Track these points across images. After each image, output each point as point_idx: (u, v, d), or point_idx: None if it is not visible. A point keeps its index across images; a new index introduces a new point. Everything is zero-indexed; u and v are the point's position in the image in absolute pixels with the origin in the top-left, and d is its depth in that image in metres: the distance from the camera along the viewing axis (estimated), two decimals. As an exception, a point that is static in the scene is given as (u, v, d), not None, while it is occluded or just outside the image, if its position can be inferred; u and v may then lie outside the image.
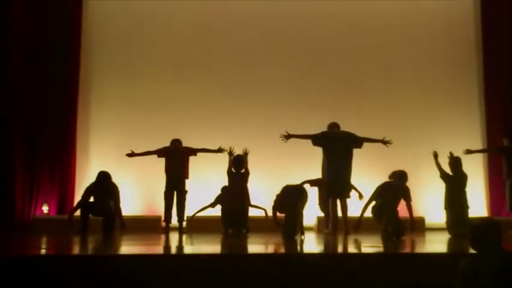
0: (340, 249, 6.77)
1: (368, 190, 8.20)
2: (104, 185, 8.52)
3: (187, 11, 10.91)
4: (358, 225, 7.85)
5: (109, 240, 7.66)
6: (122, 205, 8.62)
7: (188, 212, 8.93)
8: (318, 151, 8.61)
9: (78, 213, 8.45)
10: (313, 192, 8.71)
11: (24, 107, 10.03)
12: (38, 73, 10.17)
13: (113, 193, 8.55)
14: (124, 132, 10.24)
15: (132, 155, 8.91)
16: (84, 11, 10.69)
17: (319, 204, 8.99)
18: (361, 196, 8.56)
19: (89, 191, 8.61)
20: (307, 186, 8.26)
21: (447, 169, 8.38)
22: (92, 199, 8.58)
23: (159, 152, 8.98)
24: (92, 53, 10.75)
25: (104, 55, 10.76)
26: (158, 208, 9.59)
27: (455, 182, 8.29)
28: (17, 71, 10.04)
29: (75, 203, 9.07)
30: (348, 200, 8.44)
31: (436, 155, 8.39)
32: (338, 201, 8.37)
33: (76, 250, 6.77)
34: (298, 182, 8.07)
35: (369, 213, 7.96)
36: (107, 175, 8.58)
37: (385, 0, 11.09)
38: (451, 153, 8.43)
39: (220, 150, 8.77)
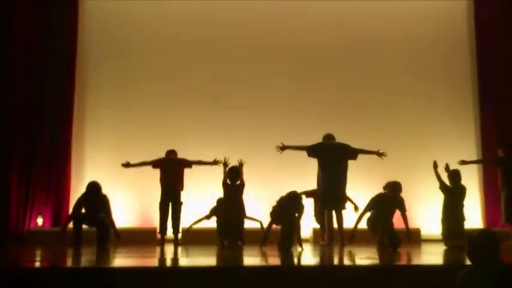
0: (335, 261, 6.74)
1: (363, 201, 8.19)
2: (94, 196, 8.48)
3: (182, 22, 10.92)
4: (352, 236, 7.83)
5: (104, 252, 7.61)
6: (115, 216, 8.61)
7: (183, 223, 8.91)
8: (313, 162, 8.61)
9: (71, 225, 8.42)
10: (308, 204, 8.71)
11: (20, 118, 10.01)
12: (33, 85, 10.16)
13: (103, 204, 8.51)
14: (119, 145, 10.22)
15: (127, 165, 8.90)
16: (80, 22, 10.69)
17: (315, 215, 8.99)
18: (356, 208, 8.56)
19: (79, 202, 8.58)
20: (302, 197, 8.25)
21: (446, 180, 8.39)
22: (83, 210, 8.53)
23: (155, 163, 8.97)
24: (87, 65, 10.74)
25: (99, 67, 10.75)
26: (153, 220, 9.56)
27: (454, 195, 8.31)
28: (13, 82, 10.03)
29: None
30: (344, 212, 8.43)
31: (436, 166, 8.39)
32: (333, 213, 8.36)
33: (70, 263, 6.72)
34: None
35: (363, 225, 7.95)
36: (98, 186, 8.54)
37: (381, 9, 11.14)
38: (447, 165, 8.44)
39: (215, 163, 8.75)
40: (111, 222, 8.51)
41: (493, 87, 10.95)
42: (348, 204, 8.56)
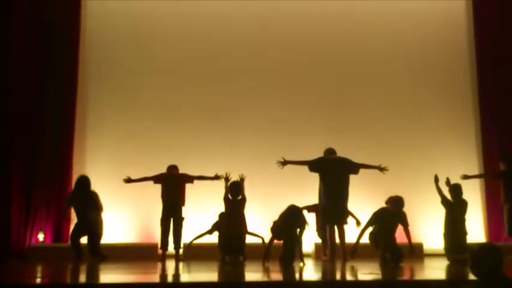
0: (338, 276, 6.70)
1: (365, 216, 8.16)
2: (84, 191, 8.52)
3: (182, 35, 11.03)
4: (355, 251, 7.79)
5: (105, 268, 7.58)
6: (115, 231, 8.63)
7: (185, 239, 8.87)
8: (315, 177, 8.59)
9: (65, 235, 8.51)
10: (310, 219, 8.67)
11: (21, 135, 10.01)
12: (34, 102, 10.20)
13: (94, 200, 8.52)
14: (120, 160, 10.22)
15: (129, 181, 8.87)
16: (81, 34, 10.75)
17: (317, 230, 8.95)
18: (358, 223, 8.51)
19: (69, 200, 8.70)
20: (304, 212, 8.21)
21: (447, 194, 8.36)
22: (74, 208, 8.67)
23: (156, 178, 8.95)
24: (89, 81, 10.78)
25: (100, 84, 10.80)
26: (154, 235, 9.53)
27: (455, 209, 8.29)
28: (13, 95, 10.06)
29: (70, 231, 8.88)
30: (346, 226, 8.40)
31: (437, 179, 8.37)
32: (335, 228, 8.33)
33: (71, 279, 6.69)
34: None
35: (366, 240, 7.91)
36: (87, 180, 8.60)
37: (380, 22, 11.21)
38: (448, 179, 8.42)
39: (217, 178, 8.72)
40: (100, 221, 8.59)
41: (494, 100, 10.96)
42: (350, 219, 8.52)
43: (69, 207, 8.91)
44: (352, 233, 8.24)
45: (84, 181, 8.62)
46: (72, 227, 8.76)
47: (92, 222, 8.41)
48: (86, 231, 8.47)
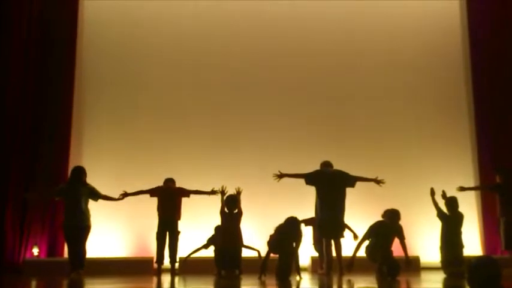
0: (334, 290, 6.67)
1: (362, 229, 8.13)
2: (77, 179, 8.21)
3: (178, 38, 11.09)
4: (351, 265, 7.75)
5: (100, 282, 7.53)
6: (110, 244, 8.54)
7: (180, 253, 8.83)
8: (311, 190, 8.57)
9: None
10: (307, 232, 8.65)
11: (18, 147, 10.00)
12: (30, 112, 10.20)
13: (93, 189, 8.29)
14: (116, 173, 10.20)
15: (124, 195, 8.75)
16: (79, 34, 10.78)
17: (313, 243, 8.92)
18: (355, 236, 8.47)
19: (60, 188, 8.44)
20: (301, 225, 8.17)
21: (443, 207, 8.35)
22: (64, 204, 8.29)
23: (152, 192, 8.90)
24: (85, 91, 10.79)
25: (97, 95, 10.80)
26: (150, 249, 9.48)
27: (451, 222, 8.26)
28: (10, 104, 10.05)
29: (65, 247, 8.69)
30: (342, 240, 8.37)
31: (433, 193, 8.35)
32: (332, 241, 8.31)
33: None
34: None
35: (362, 253, 7.89)
36: (82, 169, 8.32)
37: (376, 33, 11.29)
38: (443, 192, 8.41)
39: (213, 192, 8.65)
40: (107, 197, 8.45)
41: (489, 111, 10.99)
42: (347, 232, 8.49)
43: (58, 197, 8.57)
44: (349, 246, 8.21)
45: (78, 170, 8.31)
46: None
47: (82, 242, 8.04)
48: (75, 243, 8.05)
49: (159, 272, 8.60)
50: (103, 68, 10.87)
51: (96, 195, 8.32)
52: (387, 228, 7.83)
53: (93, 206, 8.58)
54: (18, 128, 10.09)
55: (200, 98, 10.87)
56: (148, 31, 11.04)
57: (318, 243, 8.69)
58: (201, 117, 10.77)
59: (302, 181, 8.49)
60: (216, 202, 8.47)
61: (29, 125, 10.19)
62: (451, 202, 8.32)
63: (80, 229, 8.04)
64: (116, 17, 11.05)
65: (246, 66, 11.03)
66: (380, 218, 8.00)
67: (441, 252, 8.25)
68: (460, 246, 8.19)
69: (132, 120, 10.67)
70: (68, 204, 8.17)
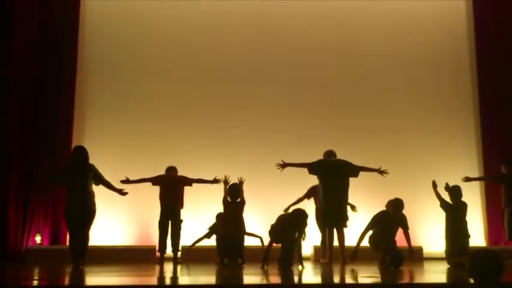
0: (337, 279, 6.65)
1: (365, 219, 8.11)
2: (82, 162, 7.58)
3: (179, 37, 11.05)
4: (355, 255, 7.73)
5: (102, 270, 7.53)
6: (113, 233, 8.50)
7: (183, 241, 8.82)
8: (314, 180, 8.55)
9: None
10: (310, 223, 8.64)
11: (18, 138, 10.02)
12: (31, 109, 10.21)
13: (95, 172, 7.65)
14: (118, 161, 10.15)
15: (126, 181, 8.58)
16: (80, 33, 10.77)
17: (316, 218, 8.91)
18: (353, 208, 8.73)
19: (62, 170, 8.07)
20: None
21: (446, 198, 8.29)
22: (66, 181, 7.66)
23: (154, 180, 8.86)
24: (86, 85, 10.77)
25: (99, 89, 10.79)
26: (152, 238, 9.49)
27: (455, 211, 8.18)
28: (12, 104, 10.03)
29: (68, 235, 8.13)
30: (345, 230, 8.36)
31: (435, 185, 8.29)
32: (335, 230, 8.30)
33: (69, 281, 6.64)
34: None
35: (365, 243, 7.86)
36: (85, 151, 7.67)
37: (380, 29, 11.21)
38: (447, 184, 8.31)
39: (216, 181, 8.66)
40: (110, 185, 7.83)
41: (494, 104, 10.94)
42: (349, 223, 8.46)
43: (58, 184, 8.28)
44: (352, 236, 8.19)
45: (82, 151, 7.69)
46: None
47: (86, 232, 7.58)
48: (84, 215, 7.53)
49: (161, 260, 8.59)
50: (104, 67, 10.85)
51: (100, 180, 7.69)
52: (391, 218, 7.80)
53: (95, 194, 8.58)
54: (20, 124, 10.10)
55: (201, 91, 10.84)
56: (149, 30, 10.99)
57: (320, 220, 8.68)
58: (202, 109, 10.74)
59: (305, 171, 8.47)
60: (218, 191, 8.47)
61: (31, 123, 10.19)
62: (455, 191, 8.24)
63: (85, 214, 7.49)
64: (116, 16, 11.01)
65: (249, 59, 11.00)
66: (384, 208, 7.98)
67: (446, 243, 8.19)
68: (465, 235, 8.07)
69: (132, 119, 10.64)
70: (72, 186, 7.56)
